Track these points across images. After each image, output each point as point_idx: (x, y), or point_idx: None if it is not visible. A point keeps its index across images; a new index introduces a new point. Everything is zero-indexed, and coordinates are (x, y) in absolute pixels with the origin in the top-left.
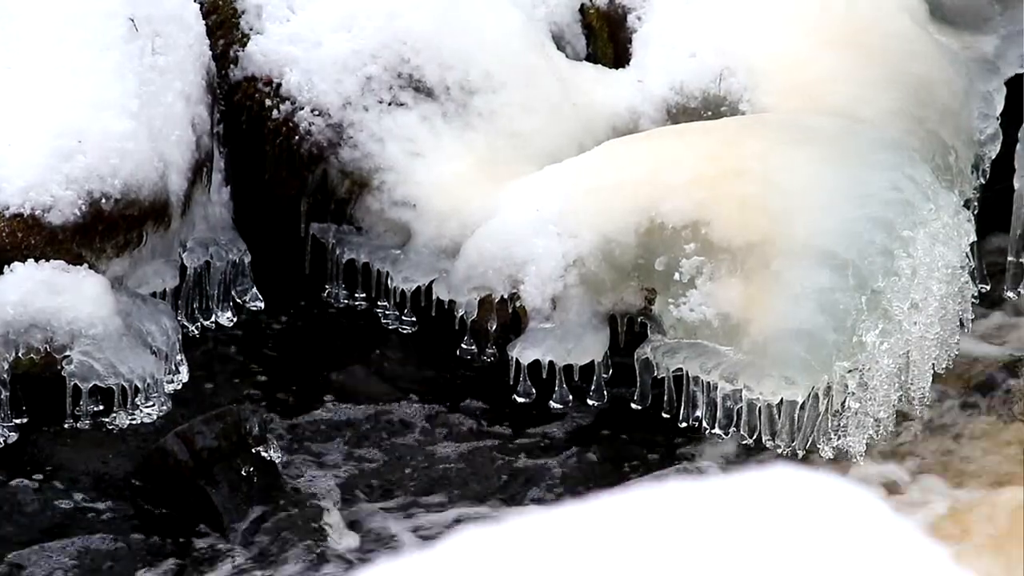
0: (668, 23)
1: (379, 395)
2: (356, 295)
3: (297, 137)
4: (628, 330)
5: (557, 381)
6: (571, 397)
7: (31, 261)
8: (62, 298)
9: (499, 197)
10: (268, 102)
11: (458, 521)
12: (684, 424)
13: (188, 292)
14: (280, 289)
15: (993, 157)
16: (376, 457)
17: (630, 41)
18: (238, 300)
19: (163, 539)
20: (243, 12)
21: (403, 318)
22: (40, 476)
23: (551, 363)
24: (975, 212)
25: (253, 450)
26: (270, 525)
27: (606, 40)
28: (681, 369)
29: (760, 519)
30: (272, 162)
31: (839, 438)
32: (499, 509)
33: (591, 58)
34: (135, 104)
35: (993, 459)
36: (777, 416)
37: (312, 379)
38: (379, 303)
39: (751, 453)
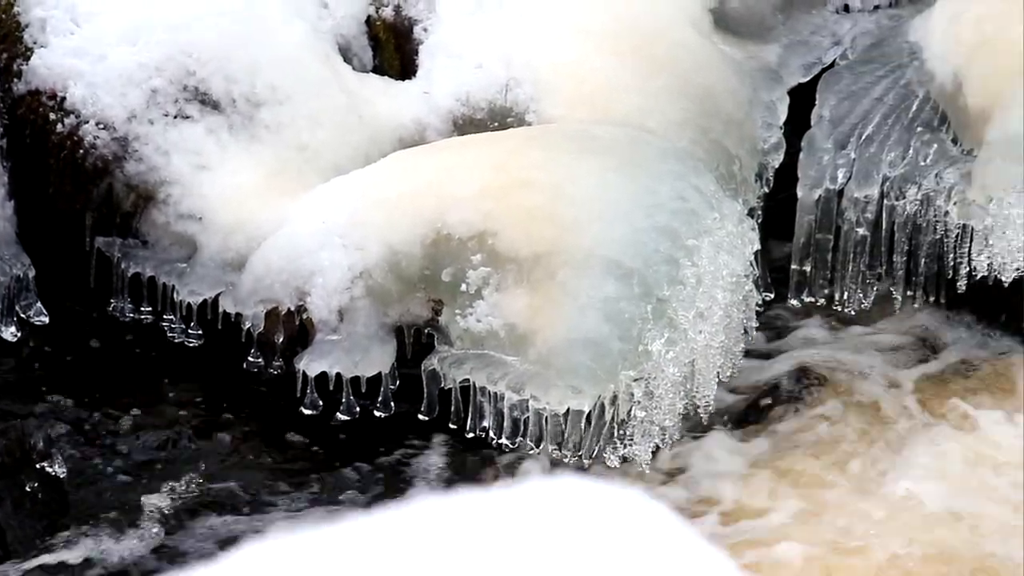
0: (455, 34)
1: (165, 409)
2: (142, 309)
3: (82, 151)
4: (415, 341)
5: (344, 393)
6: (358, 409)
7: None
8: None
9: (286, 209)
10: (52, 116)
11: (244, 534)
12: (471, 435)
13: None
14: (65, 304)
15: (776, 166)
16: (162, 471)
17: (416, 53)
18: (22, 315)
19: None
20: (27, 25)
21: (189, 332)
22: None
23: (338, 375)
24: (759, 221)
25: (38, 465)
26: (55, 541)
27: (393, 52)
28: (468, 380)
29: (546, 529)
30: (56, 176)
31: (625, 447)
32: (284, 522)
33: (378, 70)
34: None
35: (780, 462)
36: (564, 425)
37: (98, 394)
38: (165, 317)
39: (538, 463)
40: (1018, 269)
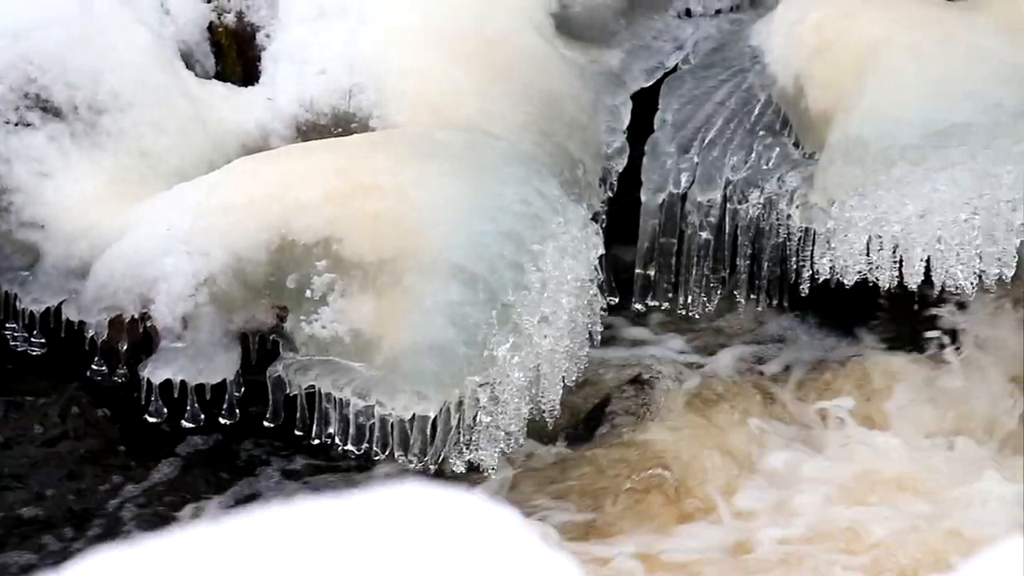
0: (298, 40)
1: (8, 418)
2: None
3: None
4: (260, 348)
5: (189, 400)
6: (203, 416)
7: None
8: None
9: (129, 216)
10: None
11: (83, 547)
12: (317, 441)
13: None
14: None
15: (620, 170)
16: (3, 483)
17: (259, 59)
18: None
19: None
20: None
21: (32, 339)
22: None
23: (183, 382)
24: (603, 225)
25: None
26: None
27: (235, 58)
28: (314, 386)
29: (390, 536)
30: None
31: (471, 452)
32: (127, 533)
33: (220, 76)
34: None
35: (622, 469)
36: (410, 431)
37: None
38: (7, 325)
39: (384, 469)
40: (860, 272)
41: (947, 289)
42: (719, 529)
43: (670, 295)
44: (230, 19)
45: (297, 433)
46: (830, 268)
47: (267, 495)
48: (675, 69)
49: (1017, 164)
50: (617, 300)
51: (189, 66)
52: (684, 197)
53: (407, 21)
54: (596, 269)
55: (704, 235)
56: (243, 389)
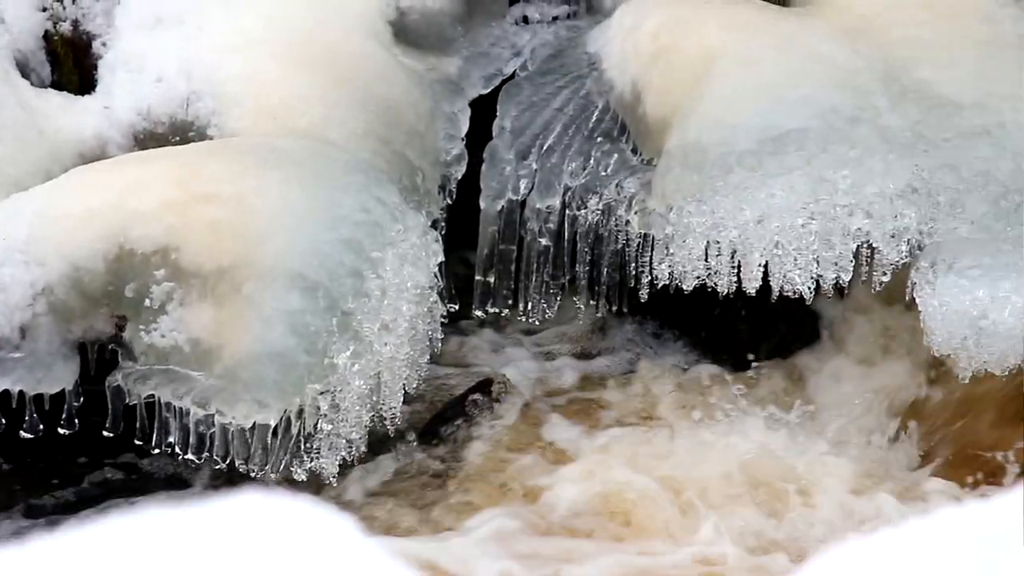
0: (135, 49)
1: None
2: None
3: None
4: (100, 357)
5: (28, 410)
6: (42, 426)
7: None
8: None
9: None
10: None
11: None
12: (157, 450)
13: None
14: None
15: (459, 177)
16: None
17: (96, 67)
18: None
19: None
20: None
21: None
22: None
23: (21, 392)
24: (443, 232)
25: None
26: None
27: (71, 67)
28: (154, 395)
29: (230, 546)
30: None
31: (312, 460)
32: None
33: (57, 85)
34: None
35: (461, 475)
36: (250, 440)
37: None
38: None
39: (224, 478)
40: (699, 277)
41: (785, 294)
42: (549, 540)
43: (510, 302)
44: (66, 28)
45: (137, 442)
46: (669, 274)
47: (108, 506)
48: (513, 76)
49: (853, 169)
50: (457, 307)
51: (25, 75)
52: (523, 204)
53: (245, 28)
54: (436, 276)
55: (543, 241)
56: (82, 399)
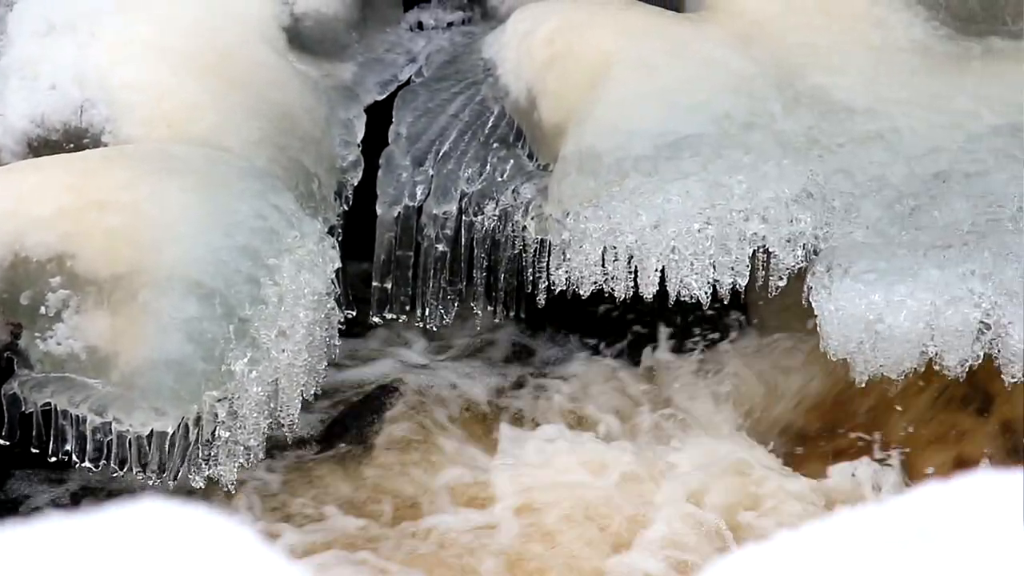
0: (28, 55)
1: None
2: None
3: None
4: None
5: None
6: None
7: None
8: None
9: None
10: None
11: None
12: (54, 458)
13: None
14: None
15: (355, 184)
16: None
17: None
18: None
19: None
20: None
21: None
22: None
23: None
24: (339, 239)
25: None
26: None
27: None
28: (50, 403)
29: (125, 554)
30: None
31: (210, 467)
32: None
33: None
34: None
35: (358, 482)
36: (148, 447)
37: None
38: None
39: (123, 486)
40: (595, 283)
41: (682, 299)
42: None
43: (407, 308)
44: None
45: (35, 451)
46: (566, 279)
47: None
48: (409, 82)
49: (748, 174)
50: (355, 313)
51: None
52: (420, 210)
53: (139, 35)
54: (333, 282)
55: (440, 247)
56: None
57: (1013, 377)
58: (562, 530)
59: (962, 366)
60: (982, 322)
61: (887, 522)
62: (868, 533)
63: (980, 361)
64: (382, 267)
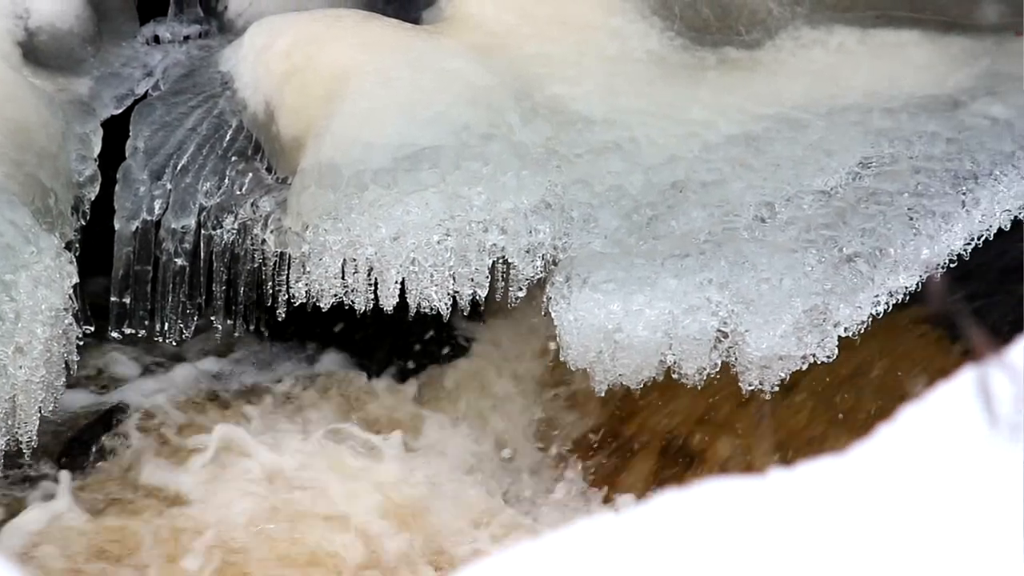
0: None
1: None
2: None
3: None
4: None
5: None
6: None
7: None
8: None
9: None
10: None
11: None
12: None
13: None
14: None
15: (93, 198)
16: None
17: None
18: None
19: None
20: None
21: None
22: None
23: None
24: (77, 254)
25: None
26: None
27: None
28: None
29: None
30: None
31: None
32: None
33: None
34: None
35: (99, 499)
36: None
37: None
38: None
39: None
40: (336, 295)
41: (423, 310)
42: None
43: (147, 322)
44: None
45: None
46: (306, 292)
47: None
48: (146, 96)
49: (487, 185)
50: (93, 329)
51: None
52: (158, 224)
53: None
54: (71, 298)
55: (179, 261)
56: None
57: (750, 385)
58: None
59: (700, 374)
60: (719, 330)
61: (621, 533)
62: (599, 545)
63: (717, 369)
64: (121, 282)
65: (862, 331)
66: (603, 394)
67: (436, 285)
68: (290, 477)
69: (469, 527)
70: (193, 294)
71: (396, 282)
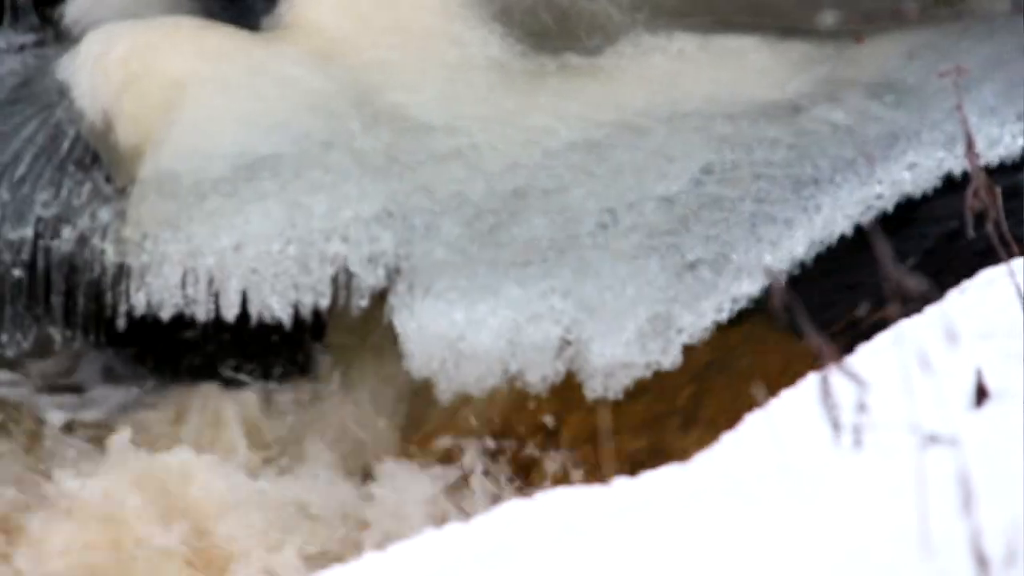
0: None
1: None
2: None
3: None
4: None
5: None
6: None
7: None
8: None
9: None
10: None
11: None
12: None
13: None
14: None
15: None
16: None
17: None
18: None
19: None
20: None
21: None
22: None
23: None
24: None
25: None
26: None
27: None
28: None
29: None
30: None
31: None
32: None
33: None
34: None
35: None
36: None
37: None
38: None
39: None
40: (176, 305)
41: (264, 321)
42: None
43: None
44: None
45: None
46: (146, 303)
47: None
48: None
49: (328, 194)
50: None
51: None
52: None
53: None
54: None
55: (17, 272)
56: None
57: (594, 391)
58: None
59: (544, 382)
60: (563, 338)
61: (467, 543)
62: (450, 552)
63: (562, 377)
64: None
65: (706, 338)
66: (447, 403)
67: (277, 295)
68: None
69: None
70: (32, 305)
71: (237, 292)
